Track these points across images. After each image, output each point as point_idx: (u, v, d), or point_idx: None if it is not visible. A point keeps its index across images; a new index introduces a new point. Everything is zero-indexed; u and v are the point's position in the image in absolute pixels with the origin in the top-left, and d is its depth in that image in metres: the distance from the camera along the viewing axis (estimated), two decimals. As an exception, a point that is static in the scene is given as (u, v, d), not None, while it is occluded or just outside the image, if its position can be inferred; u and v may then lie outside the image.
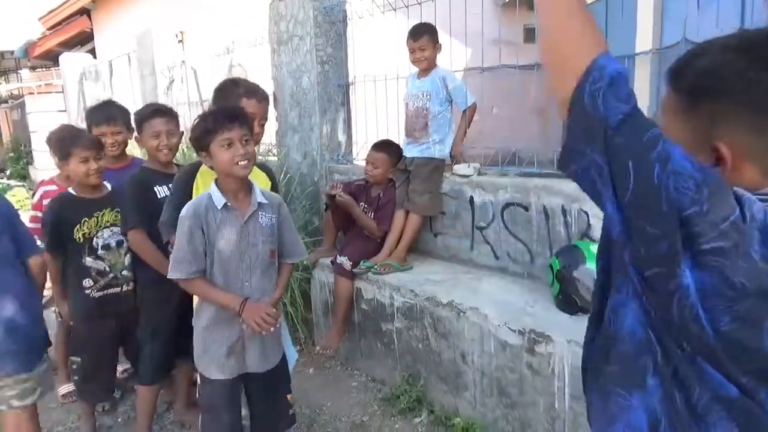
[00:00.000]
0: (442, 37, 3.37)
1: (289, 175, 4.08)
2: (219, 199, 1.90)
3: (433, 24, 3.30)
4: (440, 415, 2.75)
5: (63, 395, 3.13)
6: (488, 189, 3.04)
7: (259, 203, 1.96)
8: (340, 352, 3.40)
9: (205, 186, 2.06)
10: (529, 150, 3.12)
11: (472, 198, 3.13)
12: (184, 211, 1.90)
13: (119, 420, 2.96)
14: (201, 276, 1.91)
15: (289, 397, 2.20)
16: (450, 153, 3.28)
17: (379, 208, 3.32)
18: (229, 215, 1.91)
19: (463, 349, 2.65)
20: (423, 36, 3.21)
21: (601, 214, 2.55)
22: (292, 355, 2.43)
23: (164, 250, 2.28)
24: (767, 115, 0.80)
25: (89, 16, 10.23)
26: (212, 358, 1.98)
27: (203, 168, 2.14)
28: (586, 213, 2.60)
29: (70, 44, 11.13)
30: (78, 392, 2.79)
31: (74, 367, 2.68)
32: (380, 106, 3.87)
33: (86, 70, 9.13)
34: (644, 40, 6.08)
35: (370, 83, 3.93)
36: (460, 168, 3.19)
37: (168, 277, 1.92)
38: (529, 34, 8.22)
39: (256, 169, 2.27)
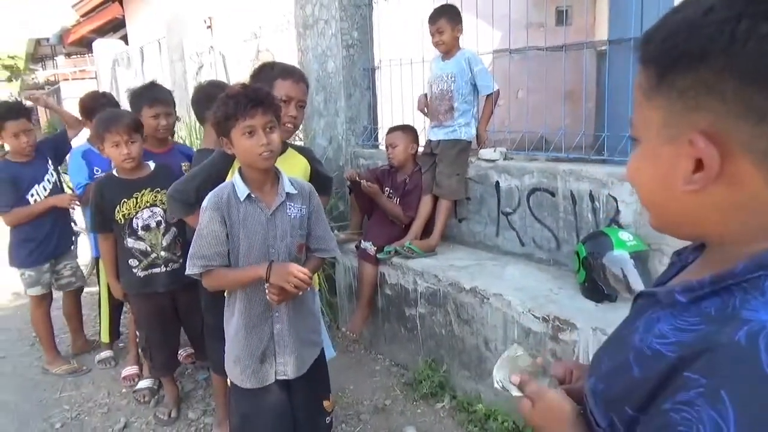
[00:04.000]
0: (469, 19, 3.30)
1: (314, 160, 4.09)
2: (242, 191, 1.73)
3: (457, 6, 3.24)
4: (462, 401, 2.74)
5: (124, 377, 3.22)
6: (514, 174, 2.99)
7: (288, 194, 1.79)
8: (364, 336, 3.41)
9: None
10: (557, 135, 3.05)
11: (497, 183, 3.08)
12: (205, 202, 1.75)
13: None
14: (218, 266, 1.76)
15: (326, 404, 2.02)
16: (476, 138, 3.25)
17: (405, 194, 3.30)
18: (253, 207, 1.75)
19: (485, 335, 2.63)
20: (440, 19, 3.16)
21: (630, 200, 2.47)
22: (330, 352, 2.36)
23: None
24: None
25: (121, 3, 10.36)
26: (245, 366, 1.82)
27: None
28: (615, 199, 2.54)
29: (102, 31, 11.31)
30: (149, 364, 2.92)
31: (137, 340, 2.96)
32: (406, 91, 3.84)
33: (118, 57, 9.28)
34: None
35: (396, 67, 3.89)
36: (486, 152, 3.15)
37: (186, 273, 1.77)
38: (561, 16, 8.05)
39: (294, 154, 2.20)
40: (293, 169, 2.07)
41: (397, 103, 3.91)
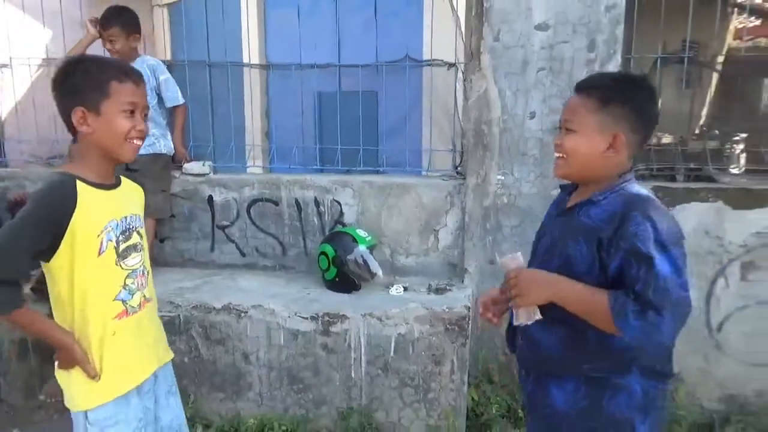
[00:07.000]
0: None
1: None
2: None
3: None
4: (221, 426, 2.64)
5: None
6: (231, 187, 2.99)
7: None
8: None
9: (88, 213, 1.43)
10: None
11: (211, 197, 3.02)
12: None
13: None
14: None
15: None
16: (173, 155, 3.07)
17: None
18: None
19: (244, 349, 2.61)
20: (113, 26, 2.88)
21: (352, 202, 2.92)
22: None
23: None
24: (641, 121, 1.37)
25: None
26: None
27: (82, 185, 1.44)
28: (339, 202, 2.92)
29: None
30: None
31: None
32: (41, 96, 3.20)
33: None
34: (253, 52, 6.73)
35: (30, 67, 3.19)
36: (193, 167, 3.02)
37: None
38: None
39: (129, 184, 1.68)
40: (137, 203, 1.66)
41: (29, 111, 3.22)
